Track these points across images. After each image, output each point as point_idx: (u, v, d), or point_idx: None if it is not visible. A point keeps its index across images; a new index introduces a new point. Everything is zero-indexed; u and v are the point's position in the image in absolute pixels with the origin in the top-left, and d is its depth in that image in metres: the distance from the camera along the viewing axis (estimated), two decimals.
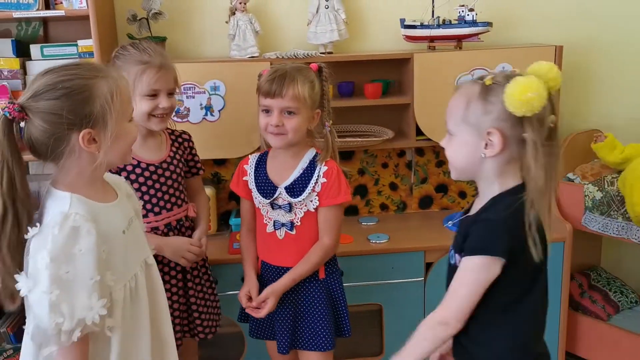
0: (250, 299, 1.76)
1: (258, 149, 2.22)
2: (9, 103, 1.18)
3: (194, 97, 2.17)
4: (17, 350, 2.14)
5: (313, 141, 1.78)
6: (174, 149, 1.83)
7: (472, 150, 1.24)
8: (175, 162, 1.81)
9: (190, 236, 1.85)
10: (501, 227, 1.21)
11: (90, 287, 1.17)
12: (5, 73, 2.09)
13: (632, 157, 2.24)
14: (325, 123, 1.76)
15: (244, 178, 1.81)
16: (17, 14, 1.98)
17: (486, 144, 1.22)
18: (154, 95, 1.71)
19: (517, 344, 1.27)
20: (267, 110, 1.69)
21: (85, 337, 1.20)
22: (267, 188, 1.76)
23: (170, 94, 1.75)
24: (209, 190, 2.33)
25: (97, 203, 1.26)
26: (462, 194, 2.65)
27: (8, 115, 1.17)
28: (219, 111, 2.19)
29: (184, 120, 2.18)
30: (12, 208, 1.18)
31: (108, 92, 1.21)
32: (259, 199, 1.77)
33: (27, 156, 2.04)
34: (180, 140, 1.88)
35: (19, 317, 2.27)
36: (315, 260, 1.73)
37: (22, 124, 1.20)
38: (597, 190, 2.27)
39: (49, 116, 1.18)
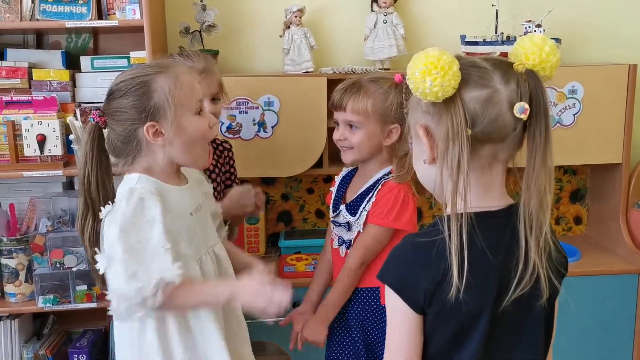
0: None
1: (314, 167, 2.13)
2: (94, 110, 1.28)
3: (246, 112, 2.07)
4: None
5: (397, 160, 1.59)
6: (215, 157, 1.77)
7: (417, 155, 1.01)
8: (217, 170, 1.75)
9: None
10: (398, 254, 0.98)
11: (163, 254, 1.20)
12: (55, 85, 2.03)
13: None
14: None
15: (331, 188, 1.73)
16: (70, 24, 1.91)
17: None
18: None
19: None
20: (338, 123, 1.61)
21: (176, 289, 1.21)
22: (337, 203, 1.68)
23: (214, 99, 1.69)
24: None
25: (164, 184, 1.29)
26: None
27: (93, 120, 1.27)
28: (272, 127, 2.09)
29: (236, 136, 2.08)
30: (92, 208, 1.27)
31: (166, 85, 1.24)
32: (330, 212, 1.69)
33: None
34: (221, 149, 1.81)
35: (58, 339, 2.18)
36: (342, 283, 1.59)
37: (105, 131, 1.28)
38: None
39: (117, 114, 1.25)
